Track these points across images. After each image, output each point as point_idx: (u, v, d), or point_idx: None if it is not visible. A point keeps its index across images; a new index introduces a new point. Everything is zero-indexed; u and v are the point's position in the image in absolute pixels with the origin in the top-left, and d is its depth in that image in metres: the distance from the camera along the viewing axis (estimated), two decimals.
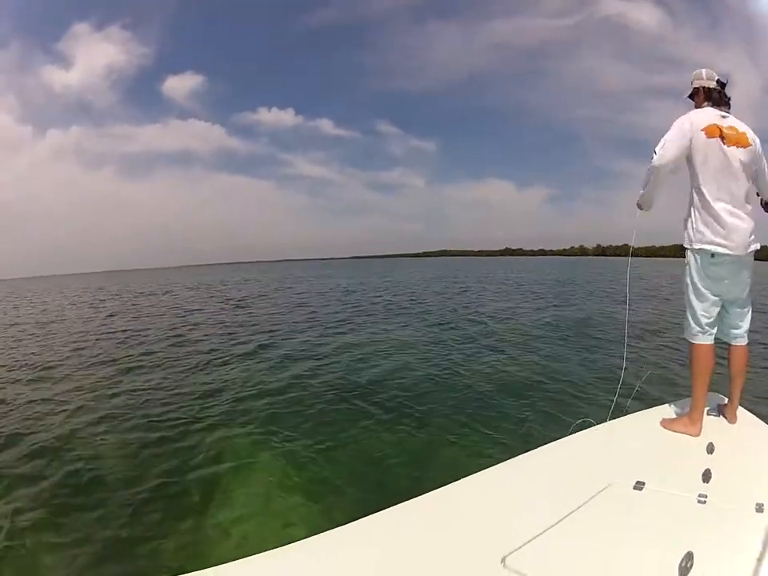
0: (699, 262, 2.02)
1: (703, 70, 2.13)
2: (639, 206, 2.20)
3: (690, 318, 2.09)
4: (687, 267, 2.09)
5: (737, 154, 1.96)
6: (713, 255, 1.97)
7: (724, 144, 1.95)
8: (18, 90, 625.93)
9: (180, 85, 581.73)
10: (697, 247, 2.00)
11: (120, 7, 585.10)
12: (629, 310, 2.37)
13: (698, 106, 2.12)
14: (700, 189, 1.98)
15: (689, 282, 2.08)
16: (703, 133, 1.95)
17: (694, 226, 2.01)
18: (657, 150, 1.98)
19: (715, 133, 1.96)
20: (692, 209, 2.03)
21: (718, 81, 2.09)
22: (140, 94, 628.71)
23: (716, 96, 2.08)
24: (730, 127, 1.98)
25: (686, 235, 2.07)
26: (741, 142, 1.98)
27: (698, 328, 2.06)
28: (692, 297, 2.07)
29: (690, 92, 2.17)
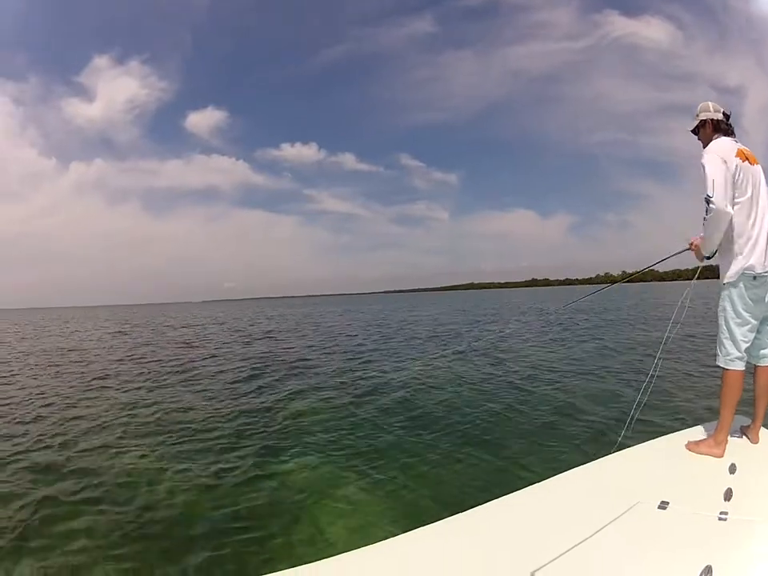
0: (742, 287, 2.00)
1: (710, 103, 2.16)
2: (701, 255, 2.17)
3: (728, 346, 2.06)
4: (726, 294, 2.06)
5: (759, 172, 2.03)
6: (755, 278, 1.97)
7: (751, 165, 2.01)
8: (40, 123, 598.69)
9: (202, 120, 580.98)
10: (740, 273, 1.99)
11: (137, 43, 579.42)
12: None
13: (705, 138, 2.15)
14: (739, 213, 1.97)
15: (730, 309, 2.05)
16: (738, 159, 1.97)
17: (734, 252, 2.00)
18: (711, 194, 1.92)
19: (743, 156, 1.99)
20: (727, 236, 2.00)
21: (723, 112, 2.13)
22: (162, 128, 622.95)
23: (724, 127, 2.11)
24: (745, 149, 2.04)
25: (723, 264, 2.06)
26: (755, 159, 2.05)
27: (736, 353, 2.04)
28: (732, 324, 2.05)
29: (695, 125, 2.19)
